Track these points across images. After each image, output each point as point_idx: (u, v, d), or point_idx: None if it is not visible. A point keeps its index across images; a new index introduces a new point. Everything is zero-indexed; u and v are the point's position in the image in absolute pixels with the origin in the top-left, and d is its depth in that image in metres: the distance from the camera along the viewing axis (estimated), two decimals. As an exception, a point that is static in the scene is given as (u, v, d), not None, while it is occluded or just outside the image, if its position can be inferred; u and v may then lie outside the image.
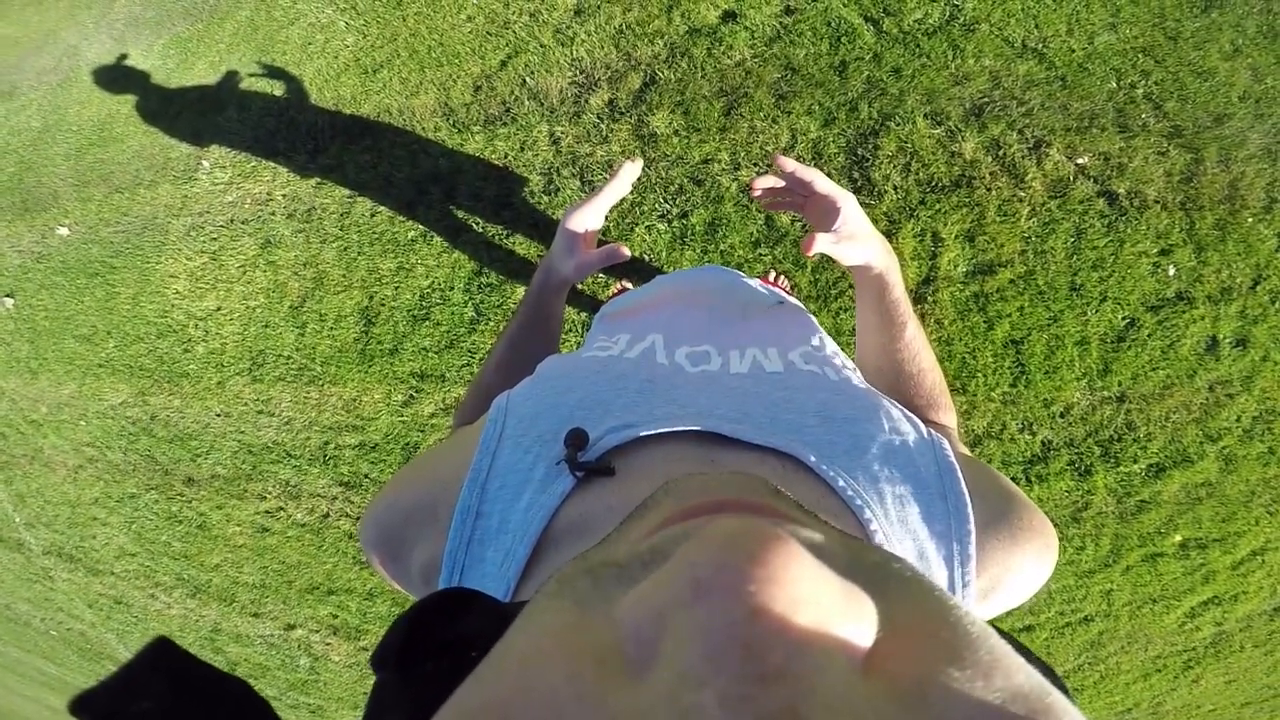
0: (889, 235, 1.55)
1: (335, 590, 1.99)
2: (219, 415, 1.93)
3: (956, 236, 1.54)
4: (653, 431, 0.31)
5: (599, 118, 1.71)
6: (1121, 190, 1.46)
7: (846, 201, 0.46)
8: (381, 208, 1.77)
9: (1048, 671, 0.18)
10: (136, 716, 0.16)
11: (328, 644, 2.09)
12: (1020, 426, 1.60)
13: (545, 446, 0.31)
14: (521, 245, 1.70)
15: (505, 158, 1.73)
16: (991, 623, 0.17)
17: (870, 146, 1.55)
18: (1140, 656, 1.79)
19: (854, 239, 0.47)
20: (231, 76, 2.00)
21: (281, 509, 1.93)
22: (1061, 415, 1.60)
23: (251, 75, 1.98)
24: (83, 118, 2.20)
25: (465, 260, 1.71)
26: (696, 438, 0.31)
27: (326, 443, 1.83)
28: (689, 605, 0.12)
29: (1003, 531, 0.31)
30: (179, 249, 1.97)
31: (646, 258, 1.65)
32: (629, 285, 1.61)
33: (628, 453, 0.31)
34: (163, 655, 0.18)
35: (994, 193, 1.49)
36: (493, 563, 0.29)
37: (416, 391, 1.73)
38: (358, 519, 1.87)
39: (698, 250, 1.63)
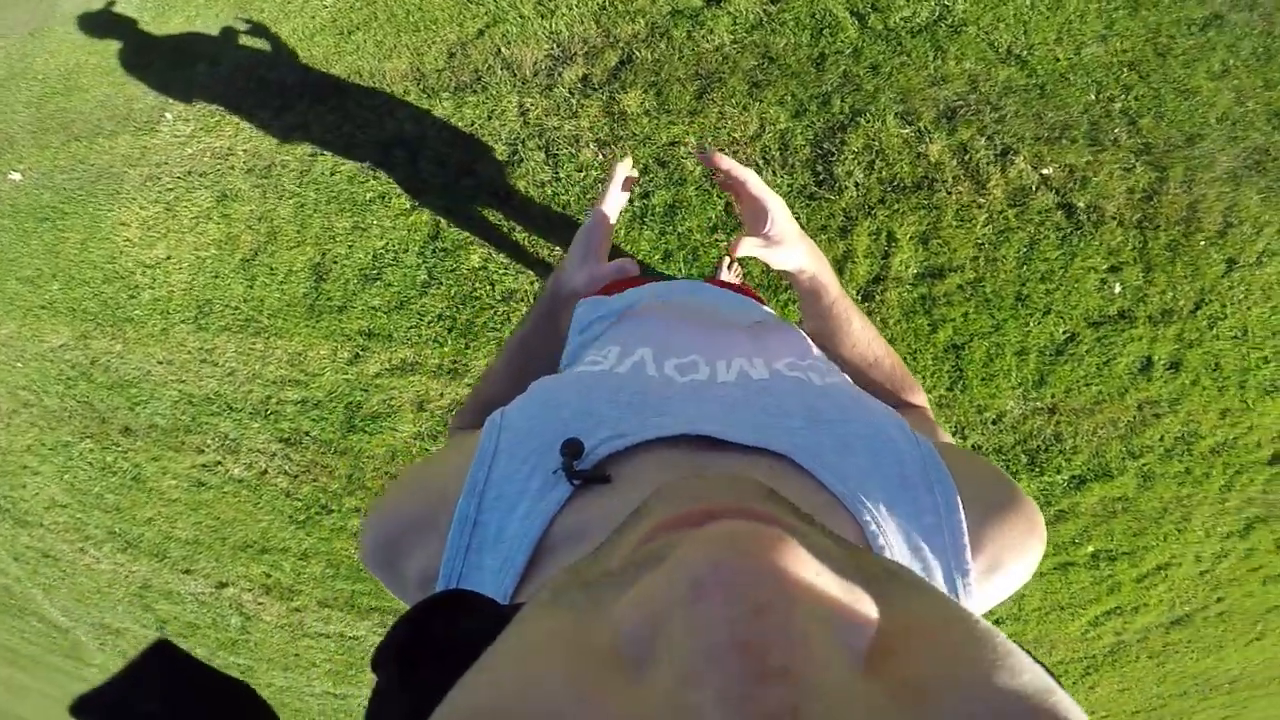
0: (844, 232, 1.53)
1: (269, 549, 1.89)
2: (161, 363, 1.82)
3: (911, 238, 1.52)
4: (646, 438, 0.31)
5: (571, 92, 1.65)
6: (1081, 204, 1.45)
7: (775, 205, 0.46)
8: (343, 167, 1.69)
9: (1051, 676, 0.17)
10: (139, 717, 0.16)
11: (260, 603, 1.99)
12: (953, 429, 1.60)
13: (541, 458, 0.31)
14: (480, 213, 1.63)
15: (472, 125, 1.66)
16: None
17: (837, 141, 1.52)
18: (1044, 660, 1.83)
19: (781, 244, 0.46)
20: (206, 31, 1.90)
21: (219, 463, 1.83)
22: (994, 422, 1.60)
23: (226, 31, 1.88)
24: (49, 67, 2.07)
25: (422, 224, 1.64)
26: (689, 443, 0.31)
27: (269, 397, 1.73)
28: (687, 604, 0.11)
29: (993, 511, 0.31)
30: (133, 198, 1.86)
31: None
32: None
33: (622, 460, 0.31)
34: (163, 658, 0.17)
35: (954, 197, 1.47)
36: (490, 570, 0.29)
37: (363, 350, 1.65)
38: (295, 477, 1.78)
39: (656, 231, 1.58)
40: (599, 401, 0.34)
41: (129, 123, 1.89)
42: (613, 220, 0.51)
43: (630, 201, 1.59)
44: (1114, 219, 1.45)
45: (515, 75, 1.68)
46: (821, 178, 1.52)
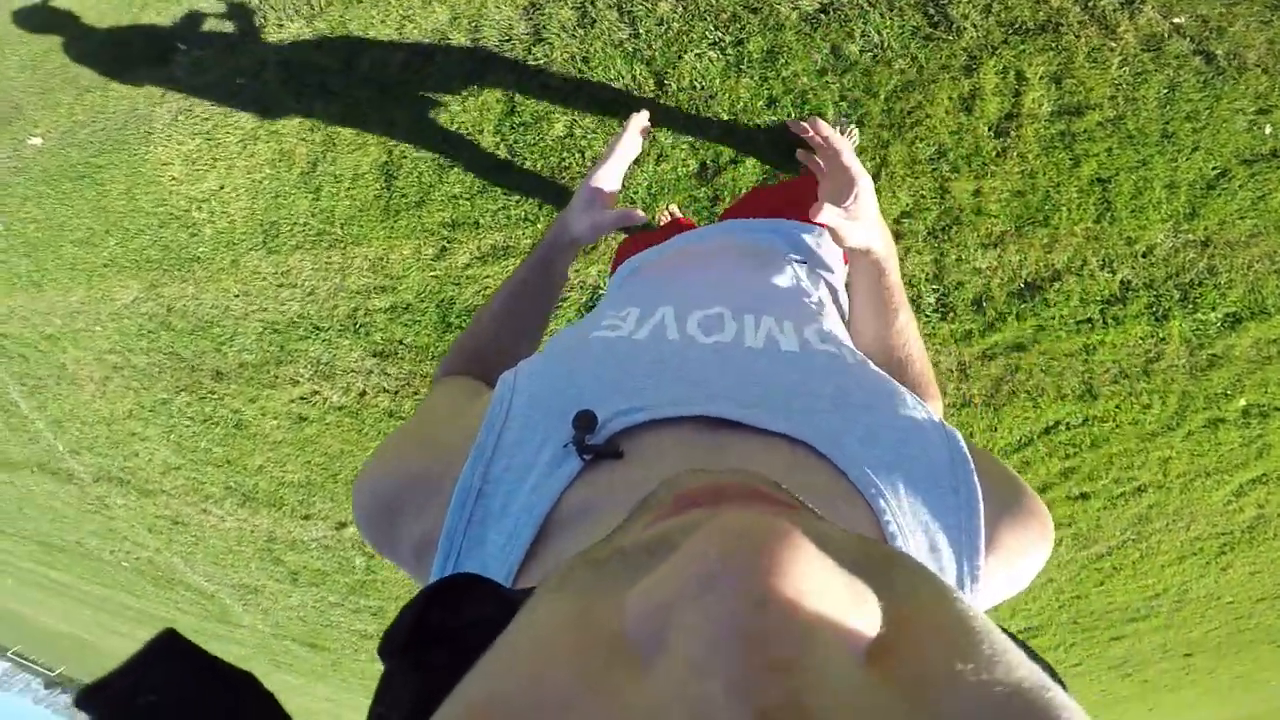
0: (968, 70, 1.34)
1: (379, 479, 1.85)
2: (237, 295, 1.72)
3: (1042, 78, 1.33)
4: (662, 415, 0.29)
5: (634, -65, 1.39)
6: (1220, 52, 1.29)
7: (864, 182, 0.44)
8: (394, 59, 1.48)
9: (1049, 671, 0.17)
10: (144, 709, 0.15)
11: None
12: (1101, 263, 1.42)
13: (553, 428, 0.29)
14: (557, 81, 1.42)
15: (530, -12, 1.42)
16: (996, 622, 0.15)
17: None
18: (1181, 537, 1.72)
19: (860, 220, 0.44)
20: None
21: (316, 392, 1.75)
22: (1144, 255, 1.42)
23: None
24: (33, 24, 1.85)
25: (494, 101, 1.44)
26: (707, 421, 0.29)
27: (355, 309, 1.62)
28: (695, 596, 0.11)
29: (1007, 516, 0.30)
30: (168, 135, 1.69)
31: (698, 86, 1.38)
32: (675, 210, 1.38)
33: (636, 435, 0.29)
34: (170, 647, 0.16)
35: (1083, 40, 1.30)
36: (494, 544, 0.27)
37: (449, 242, 1.50)
38: (395, 394, 1.69)
39: (755, 79, 1.36)
40: (615, 369, 0.32)
41: (140, 62, 1.69)
42: (620, 168, 0.50)
43: (721, 50, 1.36)
44: (1257, 66, 1.28)
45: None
46: (935, 19, 1.33)
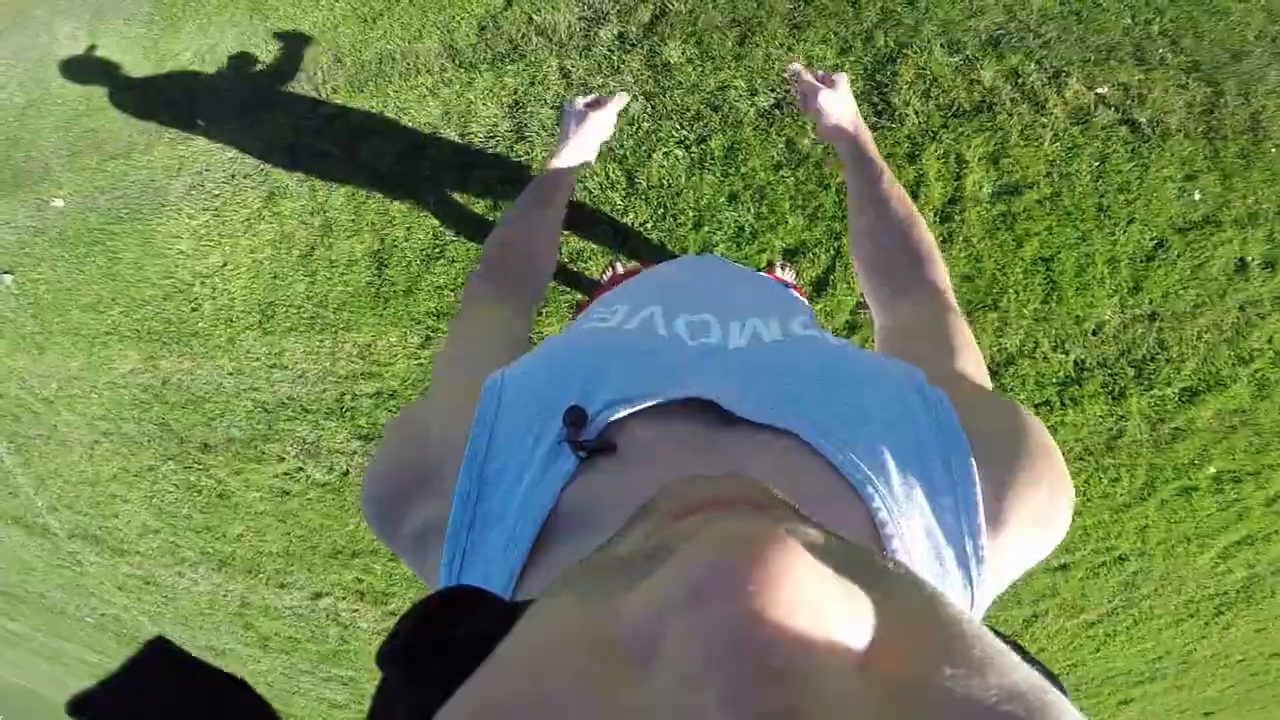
0: (912, 157, 1.41)
1: (359, 552, 1.79)
2: (231, 374, 1.72)
3: (980, 159, 1.40)
4: (652, 403, 0.28)
5: (610, 50, 1.51)
6: (1143, 119, 1.36)
7: (841, 81, 0.56)
8: (390, 148, 1.56)
9: (1046, 673, 0.16)
10: (135, 716, 0.15)
11: (355, 610, 1.89)
12: (1053, 345, 1.45)
13: (545, 424, 0.28)
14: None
15: (516, 93, 1.52)
16: (994, 626, 0.16)
17: (889, 73, 1.41)
18: (1173, 600, 1.67)
19: (838, 93, 0.56)
20: (222, 37, 1.77)
21: (301, 469, 1.72)
22: (1094, 333, 1.45)
23: (243, 34, 1.76)
24: (68, 90, 1.95)
25: (479, 194, 1.51)
26: (701, 413, 0.29)
27: (343, 393, 1.62)
28: (688, 607, 0.11)
29: (1010, 479, 0.27)
30: (179, 208, 1.75)
31: (665, 184, 1.45)
32: (620, 265, 1.43)
33: (628, 427, 0.28)
34: (160, 655, 0.16)
35: (1016, 118, 1.37)
36: (495, 547, 0.26)
37: (433, 331, 1.52)
38: (378, 473, 1.66)
39: (718, 174, 1.44)
40: (605, 360, 0.31)
41: (162, 134, 1.77)
42: (598, 136, 0.59)
43: (686, 148, 1.44)
44: (1179, 131, 1.35)
45: (551, 40, 1.54)
46: (880, 108, 1.41)
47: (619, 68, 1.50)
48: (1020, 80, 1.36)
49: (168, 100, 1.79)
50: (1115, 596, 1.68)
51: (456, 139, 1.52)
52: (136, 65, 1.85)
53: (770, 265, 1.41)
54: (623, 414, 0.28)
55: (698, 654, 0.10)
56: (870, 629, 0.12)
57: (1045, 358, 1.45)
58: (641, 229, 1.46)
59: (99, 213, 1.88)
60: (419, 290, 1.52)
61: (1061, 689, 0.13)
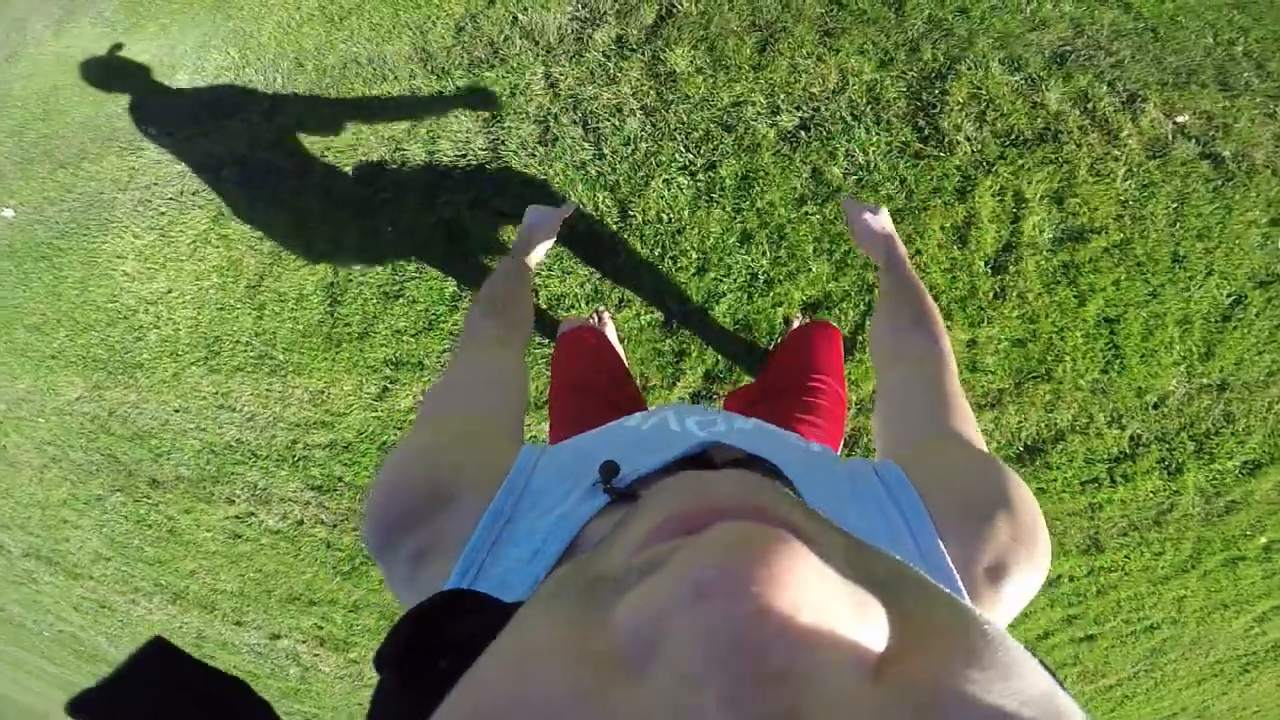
0: (962, 194, 1.17)
1: (317, 601, 1.60)
2: (177, 411, 1.51)
3: (1042, 198, 1.15)
4: (672, 457, 0.30)
5: (606, 56, 1.26)
6: (1227, 153, 1.14)
7: (883, 211, 0.64)
8: (346, 168, 1.32)
9: (1053, 677, 0.15)
10: (135, 716, 0.15)
11: (316, 654, 1.71)
12: (1109, 419, 1.21)
13: (579, 479, 0.30)
14: (513, 205, 1.25)
15: (492, 105, 1.28)
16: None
17: (937, 92, 1.16)
18: (1200, 662, 1.50)
19: (879, 216, 0.64)
20: (183, 38, 1.56)
21: (252, 514, 1.52)
22: (1155, 406, 1.21)
23: (204, 34, 1.54)
24: (27, 91, 1.75)
25: (444, 224, 1.27)
26: (706, 463, 0.31)
27: (294, 441, 1.41)
28: (690, 606, 0.11)
29: (982, 521, 0.28)
30: (126, 226, 1.53)
31: (664, 217, 1.21)
32: (606, 314, 1.20)
33: (650, 481, 0.29)
34: (160, 654, 0.16)
35: (1085, 150, 1.14)
36: (516, 559, 0.26)
37: (391, 382, 1.30)
38: (334, 526, 1.46)
39: (728, 209, 1.19)
40: (632, 443, 0.34)
41: (113, 142, 1.56)
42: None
43: (691, 175, 1.20)
44: (1266, 168, 1.13)
45: (538, 43, 1.29)
46: (926, 133, 1.16)
47: (615, 77, 1.25)
48: (1090, 104, 1.14)
49: (122, 107, 1.58)
50: (1139, 662, 1.49)
51: (422, 156, 1.28)
52: (96, 68, 1.65)
53: (788, 322, 1.16)
54: (647, 470, 0.29)
55: (698, 653, 0.10)
56: (884, 631, 0.12)
57: (1099, 433, 1.22)
58: (634, 272, 1.22)
59: (46, 225, 1.67)
60: (375, 334, 1.29)
61: (1066, 694, 0.13)
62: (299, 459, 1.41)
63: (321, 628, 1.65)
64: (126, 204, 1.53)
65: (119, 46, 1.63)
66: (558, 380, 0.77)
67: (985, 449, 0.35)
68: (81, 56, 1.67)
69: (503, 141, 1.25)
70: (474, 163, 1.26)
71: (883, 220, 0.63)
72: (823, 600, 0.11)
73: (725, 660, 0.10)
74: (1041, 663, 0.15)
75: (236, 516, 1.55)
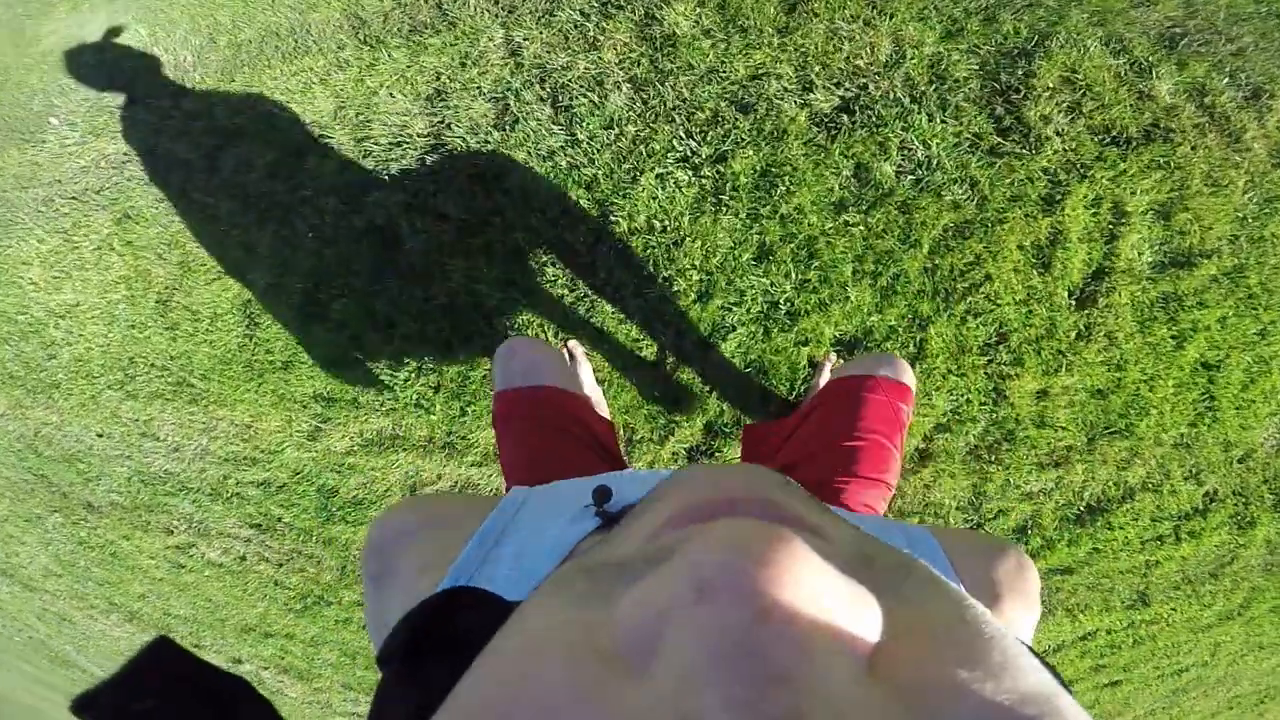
0: (1049, 203, 0.92)
1: (273, 634, 1.45)
2: (100, 435, 1.32)
3: (1146, 212, 0.89)
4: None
5: (583, 14, 0.96)
6: None
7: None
8: (260, 160, 1.05)
9: (1057, 678, 0.15)
10: (139, 715, 0.14)
11: (281, 680, 1.58)
12: (1186, 474, 0.99)
13: (569, 506, 0.29)
14: (459, 209, 0.97)
15: (438, 80, 0.99)
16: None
17: (1020, 73, 0.89)
18: (1218, 699, 1.38)
19: None
20: (93, 16, 1.29)
21: (193, 545, 1.35)
22: (1240, 460, 1.00)
23: (115, 11, 1.27)
24: None
25: (374, 230, 0.99)
26: None
27: (225, 477, 1.20)
28: (692, 605, 0.10)
29: (985, 564, 0.30)
30: (30, 229, 1.30)
31: (658, 225, 0.94)
32: (576, 346, 0.95)
33: None
34: (164, 654, 0.16)
35: (1200, 152, 0.88)
36: (505, 577, 0.25)
37: (323, 421, 1.06)
38: (280, 565, 1.28)
39: (742, 216, 0.91)
40: (624, 480, 0.32)
41: (13, 135, 1.31)
42: None
43: (694, 170, 0.92)
44: None
45: (496, 2, 0.98)
46: (1006, 124, 0.90)
47: (596, 41, 0.95)
48: (1207, 98, 0.89)
49: (23, 95, 1.32)
50: (1159, 700, 1.36)
51: (350, 145, 1.00)
52: (1, 53, 1.33)
53: (815, 364, 0.91)
54: (639, 496, 0.26)
55: (701, 653, 0.10)
56: (879, 629, 0.11)
57: (1173, 490, 0.99)
58: (617, 295, 0.95)
59: (-50, 225, 1.41)
60: (299, 364, 1.04)
61: (1070, 696, 0.12)
62: (232, 495, 1.21)
63: (283, 657, 1.51)
64: (29, 203, 1.29)
65: (24, 25, 1.36)
66: (502, 405, 0.57)
67: None
68: (-14, 37, 1.37)
69: (448, 125, 0.96)
70: (412, 152, 0.97)
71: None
72: (823, 599, 0.10)
73: (728, 661, 0.09)
74: (1047, 665, 0.14)
75: (177, 547, 1.37)
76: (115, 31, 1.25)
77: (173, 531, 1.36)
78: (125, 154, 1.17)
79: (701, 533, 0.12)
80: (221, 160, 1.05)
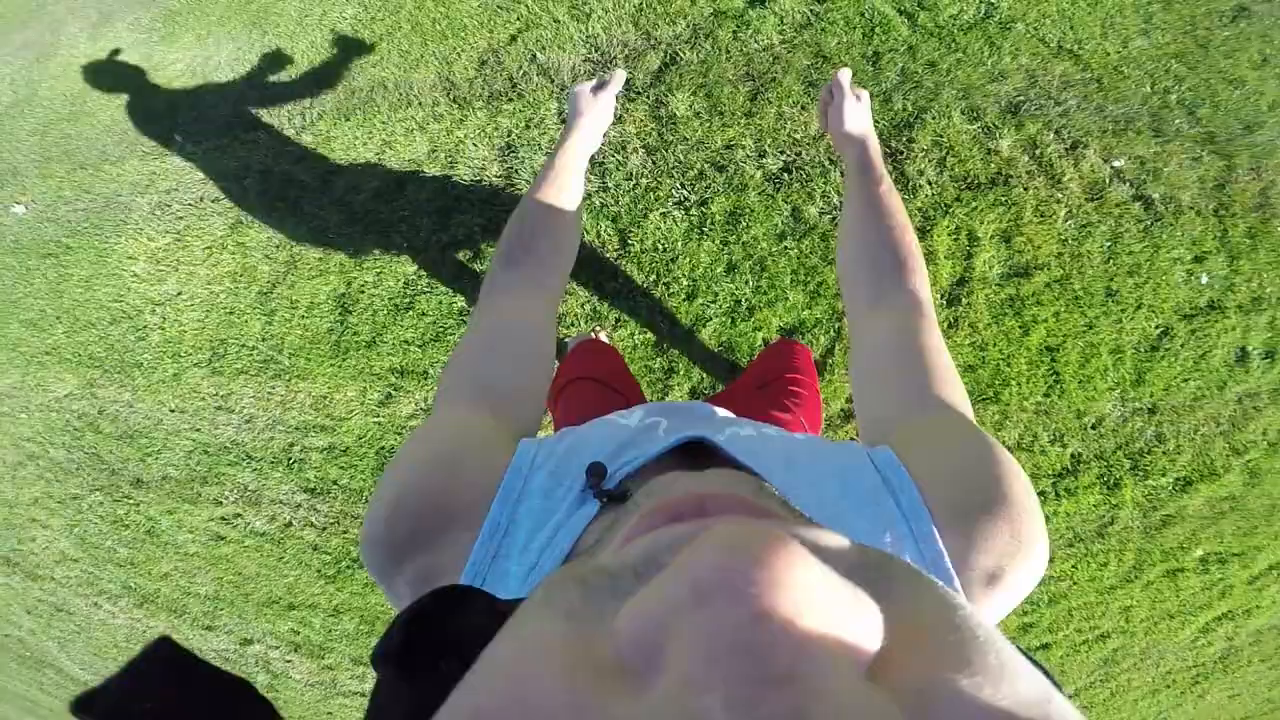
0: (923, 232, 1.28)
1: (296, 605, 1.54)
2: (173, 411, 1.48)
3: (992, 236, 1.27)
4: (657, 451, 0.30)
5: (614, 97, 1.36)
6: (1156, 195, 1.25)
7: (864, 96, 0.56)
8: (368, 185, 1.38)
9: (1049, 678, 0.15)
10: (139, 717, 0.14)
11: (288, 661, 1.63)
12: (1051, 438, 1.31)
13: (573, 480, 0.30)
14: None
15: (509, 135, 1.36)
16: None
17: (904, 139, 1.28)
18: (1151, 673, 1.57)
19: (861, 104, 0.56)
20: (218, 50, 1.60)
21: (239, 515, 1.48)
22: (1093, 427, 1.32)
23: (239, 48, 1.58)
24: (55, 92, 1.76)
25: (457, 243, 1.32)
26: (692, 461, 0.30)
27: (292, 444, 1.39)
28: (692, 610, 0.10)
29: (979, 516, 0.27)
30: (141, 229, 1.54)
31: (660, 247, 1.29)
32: (602, 332, 1.26)
33: (639, 479, 0.29)
34: (165, 654, 0.16)
35: (1031, 192, 1.25)
36: (516, 577, 0.26)
37: (395, 389, 1.31)
38: (323, 529, 1.43)
39: (717, 241, 1.28)
40: (619, 436, 0.33)
41: (137, 147, 1.57)
42: (606, 120, 0.59)
43: (685, 210, 1.29)
44: (1191, 209, 1.25)
45: (553, 81, 1.39)
46: (893, 177, 1.27)
47: (621, 116, 1.35)
48: (1038, 151, 1.25)
49: (149, 113, 1.60)
50: (1094, 672, 1.54)
51: (440, 179, 1.35)
52: (127, 74, 1.67)
53: (767, 345, 1.24)
54: (634, 467, 0.29)
55: (702, 656, 0.10)
56: (879, 632, 0.11)
57: (1043, 450, 1.31)
58: (631, 295, 1.29)
59: (58, 224, 1.66)
60: (383, 343, 1.32)
61: (1063, 696, 0.12)
62: (295, 461, 1.40)
63: (298, 632, 1.59)
64: (144, 207, 1.54)
65: (153, 53, 1.66)
66: (560, 379, 0.78)
67: (973, 417, 0.34)
68: (113, 60, 1.69)
69: (516, 171, 1.33)
70: (489, 189, 1.33)
71: (863, 112, 0.53)
72: (823, 599, 0.10)
73: (730, 663, 0.09)
74: (1040, 667, 0.15)
75: (222, 518, 1.50)
76: (240, 67, 1.52)
77: (221, 503, 1.50)
78: (244, 171, 1.46)
79: (696, 537, 0.11)
80: (334, 182, 1.37)
